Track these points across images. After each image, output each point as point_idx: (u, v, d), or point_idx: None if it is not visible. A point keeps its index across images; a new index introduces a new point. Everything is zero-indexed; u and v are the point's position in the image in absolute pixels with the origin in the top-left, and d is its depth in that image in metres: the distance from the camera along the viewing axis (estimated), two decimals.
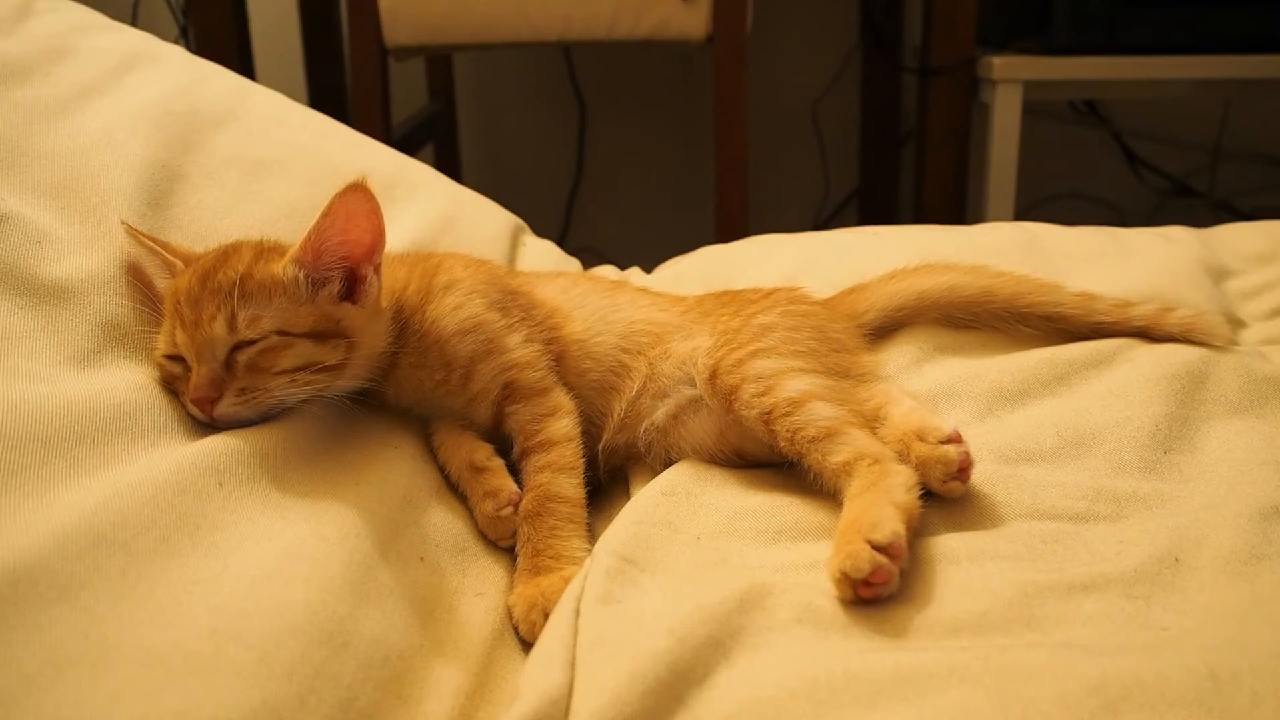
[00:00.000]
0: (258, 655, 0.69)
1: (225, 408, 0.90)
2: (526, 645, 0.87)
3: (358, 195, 0.94)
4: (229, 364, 0.91)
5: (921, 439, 0.95)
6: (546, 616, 0.83)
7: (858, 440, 0.95)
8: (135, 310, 0.97)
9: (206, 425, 0.91)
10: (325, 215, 0.94)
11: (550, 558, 0.93)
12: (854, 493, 0.90)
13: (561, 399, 1.07)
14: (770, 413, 0.99)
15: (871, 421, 1.01)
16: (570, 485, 0.99)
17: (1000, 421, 1.08)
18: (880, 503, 0.86)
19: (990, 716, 0.64)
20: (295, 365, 0.93)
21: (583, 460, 1.03)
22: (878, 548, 0.79)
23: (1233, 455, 1.00)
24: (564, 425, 1.04)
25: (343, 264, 0.97)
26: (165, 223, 1.09)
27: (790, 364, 1.04)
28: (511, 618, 0.90)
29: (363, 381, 1.01)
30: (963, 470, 0.94)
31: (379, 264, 0.99)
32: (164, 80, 1.28)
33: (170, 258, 1.00)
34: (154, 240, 1.02)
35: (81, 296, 0.93)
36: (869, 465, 0.92)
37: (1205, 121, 3.03)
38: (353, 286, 0.98)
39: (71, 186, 1.03)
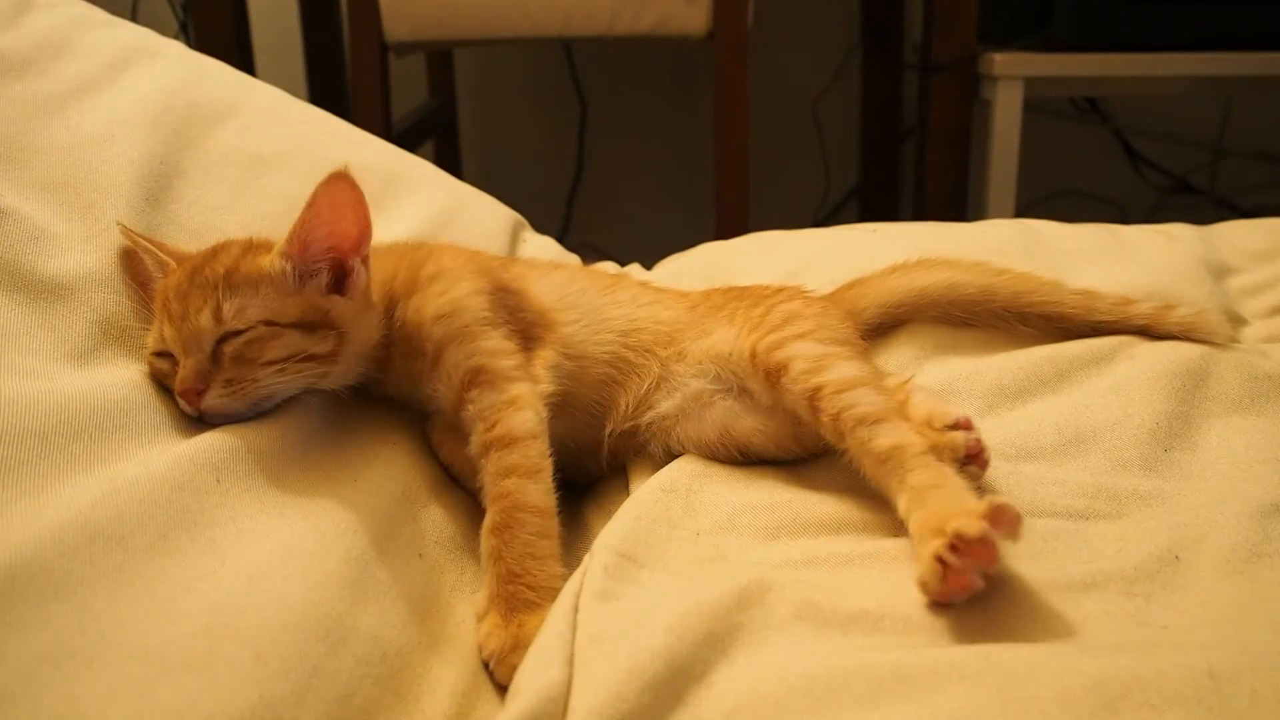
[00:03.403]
0: (255, 652, 0.69)
1: (212, 400, 0.89)
2: (500, 688, 0.80)
3: (341, 185, 0.93)
4: (216, 356, 0.90)
5: (930, 425, 0.95)
6: None
7: (903, 431, 0.93)
8: (133, 307, 0.97)
9: (201, 422, 0.90)
10: (310, 206, 0.93)
11: (529, 587, 0.86)
12: (926, 483, 0.87)
13: (525, 390, 0.99)
14: (819, 390, 0.97)
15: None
16: (539, 492, 0.92)
17: (1000, 419, 1.08)
18: (970, 495, 0.84)
19: (990, 714, 0.64)
20: (283, 355, 0.91)
21: (550, 461, 0.96)
22: (995, 509, 0.77)
23: (1233, 453, 1.00)
24: (526, 418, 0.96)
25: (329, 255, 0.96)
26: (164, 219, 1.09)
27: (836, 350, 1.03)
28: (482, 653, 0.83)
29: (358, 375, 1.00)
30: (972, 456, 0.94)
31: (366, 255, 0.98)
32: (163, 76, 1.27)
33: (164, 257, 0.99)
34: (149, 240, 1.01)
35: (79, 293, 0.93)
36: (918, 454, 0.90)
37: (1206, 119, 3.03)
38: (341, 279, 0.97)
39: (70, 182, 1.03)
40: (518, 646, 0.80)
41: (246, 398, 0.90)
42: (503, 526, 0.90)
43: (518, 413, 0.97)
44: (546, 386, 1.03)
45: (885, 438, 0.92)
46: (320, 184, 0.93)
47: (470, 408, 0.98)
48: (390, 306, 1.03)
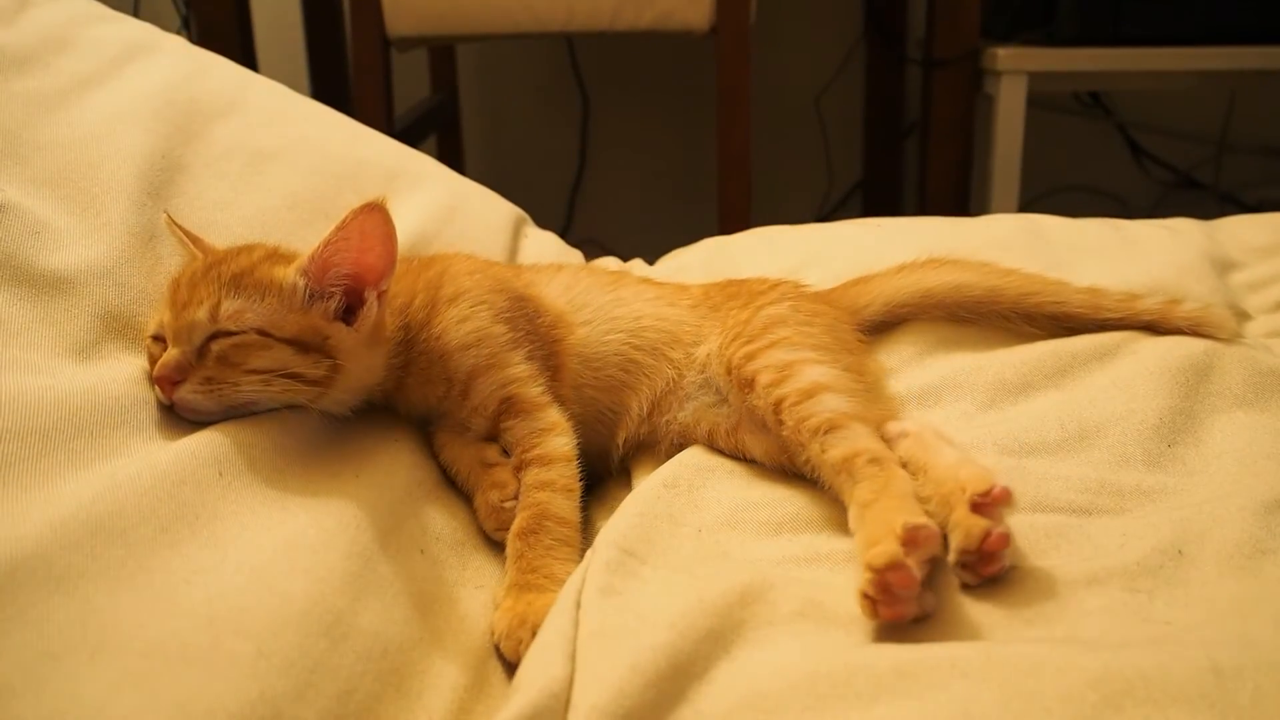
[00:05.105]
0: (256, 647, 0.69)
1: (185, 393, 0.88)
2: (509, 667, 0.82)
3: (376, 216, 0.92)
4: (202, 351, 0.90)
5: (962, 491, 0.83)
6: (534, 635, 0.79)
7: (858, 436, 0.93)
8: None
9: (175, 414, 0.89)
10: (340, 229, 0.93)
11: (545, 577, 0.89)
12: (865, 499, 0.87)
13: (558, 417, 1.04)
14: (780, 402, 0.98)
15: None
16: (569, 507, 0.96)
17: (1003, 413, 1.08)
18: (901, 510, 0.83)
19: (992, 711, 0.63)
20: (268, 367, 0.90)
21: (580, 483, 0.99)
22: (911, 531, 0.77)
23: (1236, 448, 0.99)
24: (562, 443, 1.01)
25: (347, 282, 0.95)
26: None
27: (807, 354, 1.03)
28: (493, 635, 0.85)
29: (357, 404, 1.00)
30: (988, 554, 0.79)
31: (384, 292, 0.97)
32: (164, 71, 1.27)
33: (196, 251, 1.01)
34: (187, 233, 1.02)
35: (80, 287, 0.93)
36: (867, 463, 0.90)
37: (1210, 113, 3.02)
38: (354, 307, 0.96)
39: (71, 177, 1.03)
40: (524, 623, 0.82)
41: (221, 399, 0.89)
42: (529, 532, 0.93)
43: (556, 438, 1.02)
44: (574, 408, 1.07)
45: (837, 448, 0.92)
46: (355, 210, 0.92)
47: (507, 435, 1.03)
48: (409, 332, 1.03)
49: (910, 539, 0.77)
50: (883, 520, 0.82)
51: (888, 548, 0.76)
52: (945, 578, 0.82)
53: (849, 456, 0.91)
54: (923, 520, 0.78)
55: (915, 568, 0.75)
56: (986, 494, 0.81)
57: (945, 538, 0.82)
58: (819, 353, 1.04)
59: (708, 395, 1.08)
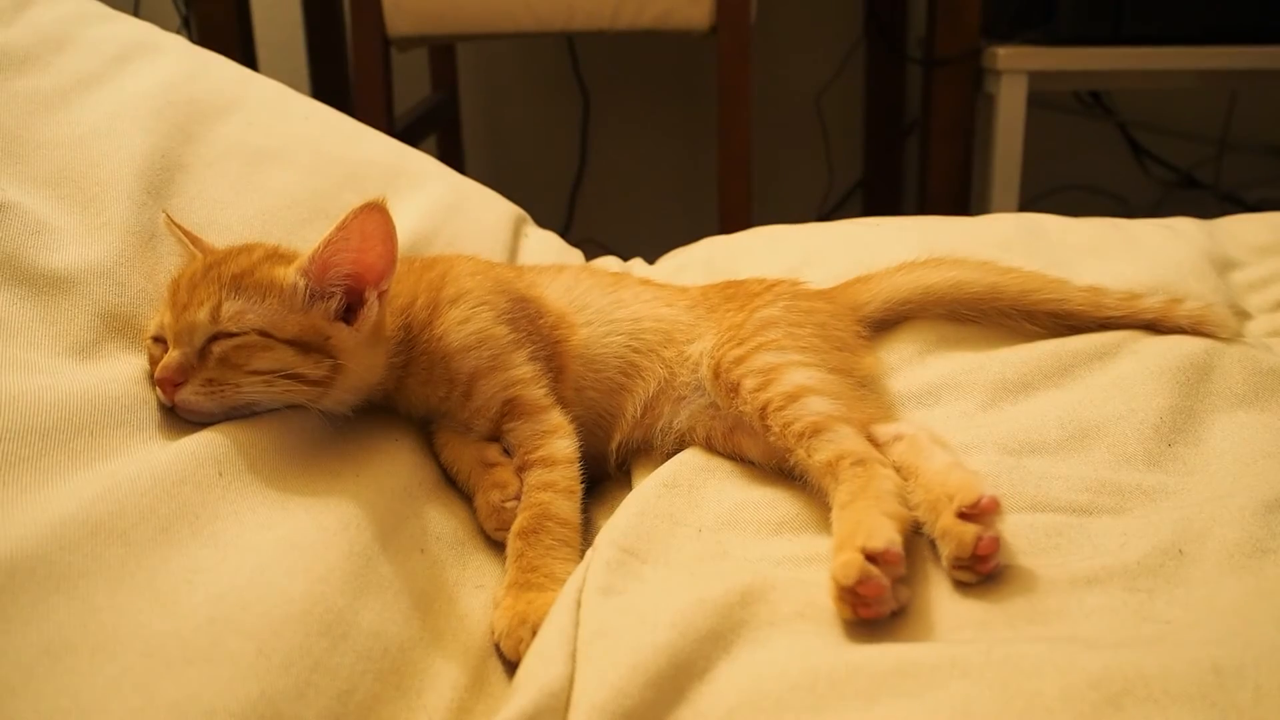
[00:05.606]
0: (256, 646, 0.69)
1: (187, 394, 0.88)
2: (510, 665, 0.82)
3: (376, 216, 0.92)
4: (203, 353, 0.89)
5: (950, 499, 0.83)
6: (535, 634, 0.79)
7: (843, 438, 0.93)
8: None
9: (175, 414, 0.89)
10: (340, 229, 0.92)
11: (545, 576, 0.89)
12: (842, 500, 0.87)
13: (561, 419, 1.04)
14: (765, 407, 0.98)
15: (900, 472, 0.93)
16: (570, 509, 0.96)
17: (1003, 413, 1.08)
18: (872, 512, 0.83)
19: (992, 710, 0.63)
20: (269, 368, 0.90)
21: (581, 485, 1.00)
22: (871, 555, 0.76)
23: (1237, 448, 0.99)
24: (565, 445, 1.02)
25: (347, 282, 0.95)
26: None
27: (792, 358, 1.03)
28: (493, 634, 0.85)
29: (358, 403, 0.99)
30: (981, 557, 0.80)
31: (385, 291, 0.97)
32: (165, 70, 1.27)
33: (196, 250, 1.01)
34: (185, 231, 1.02)
35: (80, 287, 0.93)
36: (851, 465, 0.90)
37: (1211, 113, 3.02)
38: (355, 307, 0.96)
39: (71, 176, 1.03)
40: (524, 622, 0.82)
41: (223, 400, 0.89)
42: (529, 532, 0.93)
43: (558, 440, 1.02)
44: (576, 410, 1.08)
45: (822, 451, 0.92)
46: (355, 210, 0.91)
47: (510, 437, 1.04)
48: (408, 332, 1.03)
49: (872, 560, 0.76)
50: (854, 521, 0.82)
51: (852, 559, 0.75)
52: (940, 577, 0.82)
53: (833, 460, 0.91)
54: (882, 544, 0.77)
55: (882, 575, 0.75)
56: (974, 505, 0.82)
57: (933, 545, 0.84)
58: (806, 355, 1.04)
59: (703, 397, 1.08)
